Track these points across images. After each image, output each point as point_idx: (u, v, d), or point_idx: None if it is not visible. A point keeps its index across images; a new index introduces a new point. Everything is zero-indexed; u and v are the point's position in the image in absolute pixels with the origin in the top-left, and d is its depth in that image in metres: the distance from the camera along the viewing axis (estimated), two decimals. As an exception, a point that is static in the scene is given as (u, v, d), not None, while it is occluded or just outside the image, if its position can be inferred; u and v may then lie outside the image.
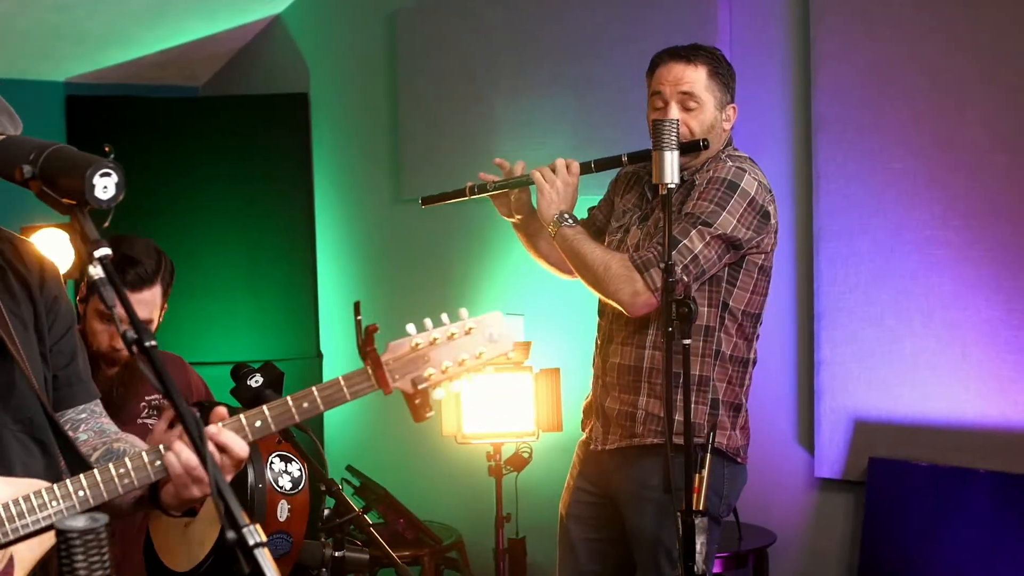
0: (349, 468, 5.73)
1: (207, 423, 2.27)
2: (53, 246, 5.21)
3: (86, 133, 6.39)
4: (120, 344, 3.62)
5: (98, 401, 2.60)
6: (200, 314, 6.29)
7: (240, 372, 3.62)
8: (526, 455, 5.30)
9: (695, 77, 3.66)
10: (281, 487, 3.61)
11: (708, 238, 3.55)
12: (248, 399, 3.43)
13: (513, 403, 5.24)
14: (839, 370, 4.72)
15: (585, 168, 3.82)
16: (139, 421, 3.82)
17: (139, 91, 6.72)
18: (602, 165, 3.84)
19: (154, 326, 3.73)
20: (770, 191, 3.69)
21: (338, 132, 6.50)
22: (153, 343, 1.98)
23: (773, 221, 3.68)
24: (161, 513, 3.71)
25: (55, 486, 2.21)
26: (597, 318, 3.92)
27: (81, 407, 2.54)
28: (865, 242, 4.65)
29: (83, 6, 5.81)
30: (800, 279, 4.91)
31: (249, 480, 3.54)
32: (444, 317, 2.42)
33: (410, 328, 2.38)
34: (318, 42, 6.51)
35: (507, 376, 5.25)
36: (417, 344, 2.36)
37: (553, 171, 3.80)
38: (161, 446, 2.26)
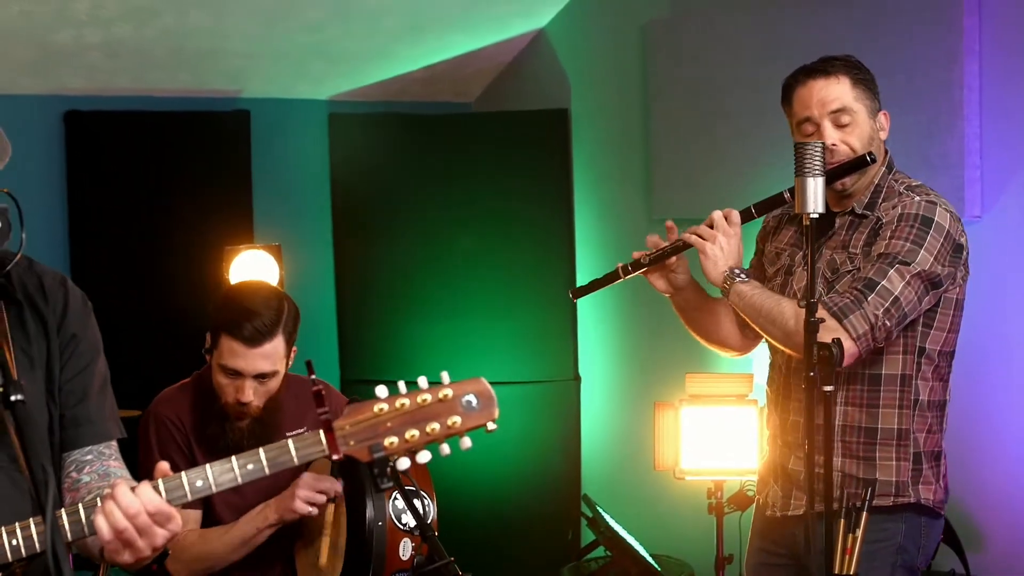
0: (584, 498, 5.61)
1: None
2: (255, 267, 5.27)
3: (349, 151, 6.48)
4: (245, 398, 3.60)
5: (111, 443, 2.55)
6: (457, 334, 6.25)
7: None
8: (751, 493, 5.00)
9: (840, 90, 3.37)
10: (404, 524, 3.54)
11: (908, 277, 3.25)
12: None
13: (735, 438, 4.98)
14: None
15: (746, 215, 3.51)
16: None
17: (407, 108, 6.74)
18: (764, 208, 3.53)
19: (279, 378, 3.67)
20: (959, 220, 3.38)
21: (595, 149, 6.35)
22: (18, 397, 2.00)
23: (965, 252, 3.38)
24: (302, 545, 3.76)
25: (2, 529, 2.20)
26: (768, 370, 3.64)
27: (88, 448, 2.50)
28: None
29: (335, 26, 5.91)
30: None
31: (368, 517, 3.50)
32: (422, 381, 2.24)
33: (380, 391, 2.22)
34: (578, 56, 6.39)
35: (729, 409, 5.00)
36: (381, 410, 2.19)
37: (711, 226, 3.49)
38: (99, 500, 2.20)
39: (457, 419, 2.19)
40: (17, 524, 2.21)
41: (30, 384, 2.38)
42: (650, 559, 5.27)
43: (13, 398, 1.99)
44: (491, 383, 6.29)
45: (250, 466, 2.21)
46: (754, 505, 3.75)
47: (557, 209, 6.36)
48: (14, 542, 2.20)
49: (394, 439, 2.18)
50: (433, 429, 2.19)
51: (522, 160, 6.35)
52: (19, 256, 2.39)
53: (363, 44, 6.20)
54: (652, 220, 5.88)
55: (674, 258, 3.60)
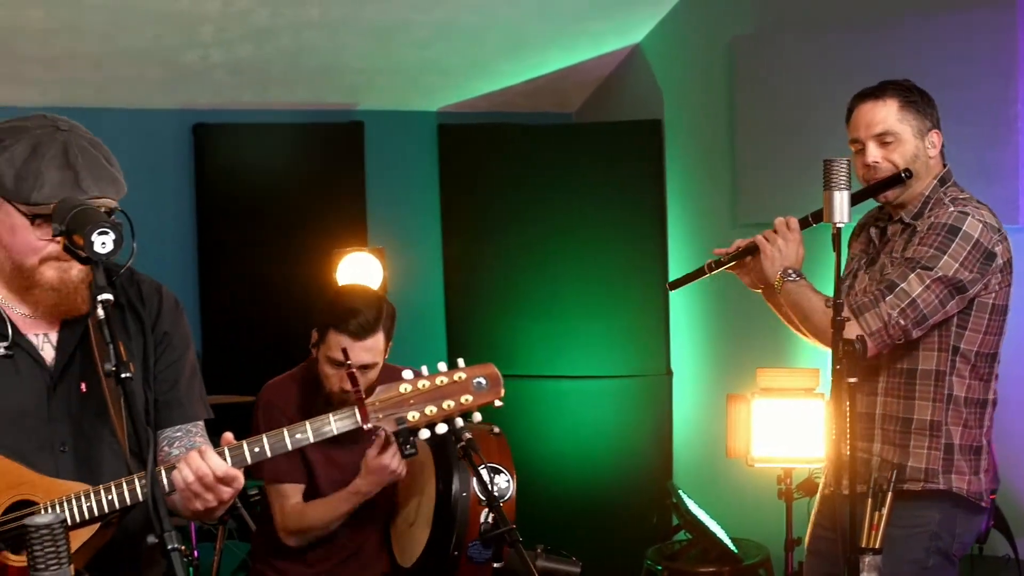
0: (669, 485, 5.94)
1: None
2: (360, 267, 5.68)
3: (457, 160, 6.85)
4: (349, 386, 3.96)
5: (198, 423, 3.00)
6: (558, 332, 6.60)
7: None
8: (819, 480, 5.28)
9: (885, 113, 3.66)
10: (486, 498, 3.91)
11: (928, 281, 3.52)
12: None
13: (804, 429, 5.27)
14: None
15: (803, 223, 3.80)
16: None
17: (512, 118, 7.06)
18: (819, 216, 3.75)
19: (378, 368, 4.04)
20: (998, 230, 3.62)
21: (686, 157, 6.64)
22: (128, 375, 2.41)
23: (1000, 260, 3.60)
24: (396, 512, 4.17)
25: (100, 488, 2.67)
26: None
27: (178, 427, 2.95)
28: None
29: (442, 43, 6.28)
30: None
31: (453, 489, 3.88)
32: (440, 366, 2.66)
33: (406, 374, 2.65)
34: (670, 69, 6.67)
35: (798, 402, 5.29)
36: (406, 389, 2.62)
37: (775, 231, 3.82)
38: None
39: (469, 397, 2.62)
40: (112, 483, 2.68)
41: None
42: (728, 542, 5.59)
43: (124, 375, 2.41)
44: (589, 377, 6.66)
45: (298, 435, 2.67)
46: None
47: (650, 213, 6.65)
48: (110, 496, 2.67)
49: (416, 413, 2.61)
50: (449, 405, 2.62)
51: (619, 167, 6.65)
52: (126, 267, 2.82)
53: (469, 59, 6.56)
54: (737, 225, 6.18)
55: (749, 258, 3.92)
